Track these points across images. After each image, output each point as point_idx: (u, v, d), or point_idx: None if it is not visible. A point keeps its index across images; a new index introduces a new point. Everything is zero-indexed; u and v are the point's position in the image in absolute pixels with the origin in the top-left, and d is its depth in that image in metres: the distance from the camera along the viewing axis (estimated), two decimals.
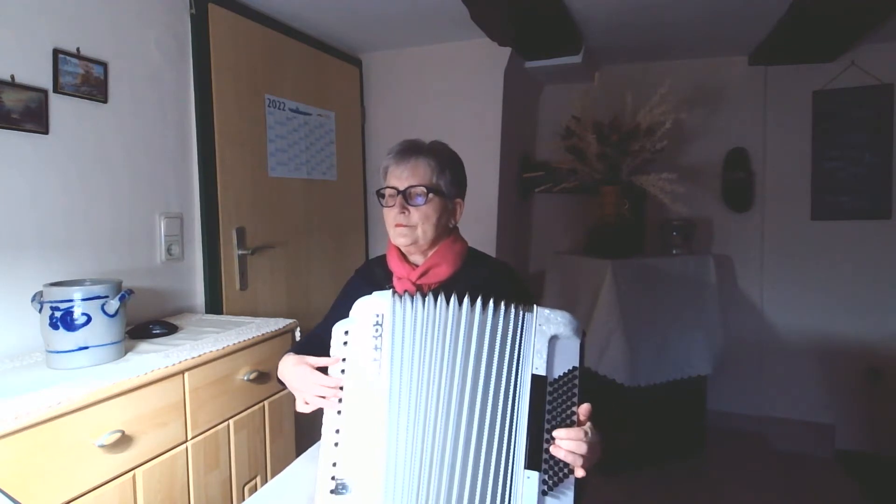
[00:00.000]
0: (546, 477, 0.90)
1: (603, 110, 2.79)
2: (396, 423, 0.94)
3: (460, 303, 0.96)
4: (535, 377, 0.92)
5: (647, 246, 2.89)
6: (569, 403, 0.92)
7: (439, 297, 0.97)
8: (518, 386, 0.93)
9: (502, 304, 0.96)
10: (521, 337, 0.94)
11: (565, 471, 0.91)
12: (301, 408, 1.05)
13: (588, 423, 0.93)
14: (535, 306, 0.96)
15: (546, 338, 0.93)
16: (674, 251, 2.84)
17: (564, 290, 2.90)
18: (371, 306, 0.99)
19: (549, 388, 0.92)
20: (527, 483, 0.89)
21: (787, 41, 2.49)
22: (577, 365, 0.94)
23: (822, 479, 2.58)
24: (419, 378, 0.95)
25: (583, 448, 0.89)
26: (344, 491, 0.92)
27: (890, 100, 2.71)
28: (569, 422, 0.92)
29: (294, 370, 1.07)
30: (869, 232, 2.79)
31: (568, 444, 0.89)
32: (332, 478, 0.93)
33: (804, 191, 2.88)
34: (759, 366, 2.99)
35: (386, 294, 1.00)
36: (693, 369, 2.62)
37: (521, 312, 0.95)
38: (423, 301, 0.98)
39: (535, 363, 0.92)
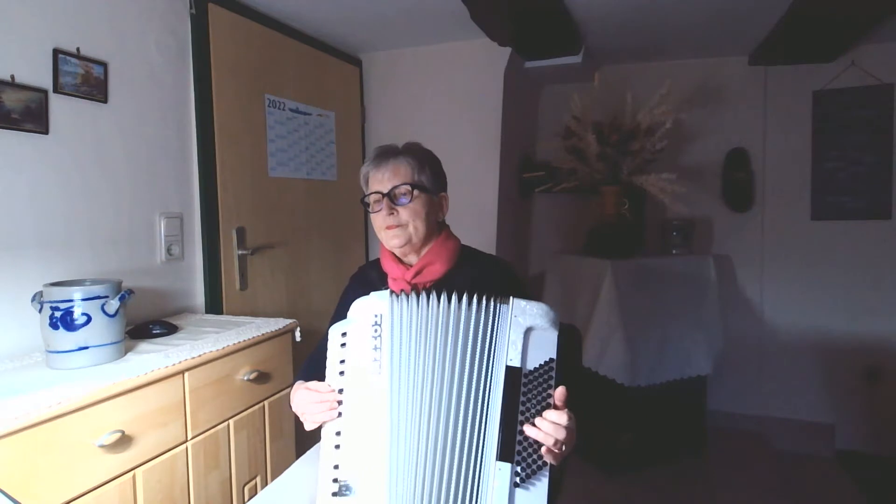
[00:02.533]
0: (519, 469, 0.90)
1: (603, 110, 2.79)
2: (397, 423, 0.94)
3: (449, 299, 0.96)
4: (508, 368, 0.92)
5: (647, 246, 2.89)
6: (545, 395, 0.92)
7: (431, 295, 0.98)
8: (491, 378, 0.93)
9: (483, 298, 0.96)
10: (495, 329, 0.94)
11: (539, 462, 0.90)
12: (309, 427, 1.05)
13: (565, 410, 0.92)
14: (511, 298, 0.96)
15: (521, 329, 0.94)
16: (674, 251, 2.84)
17: (564, 290, 2.90)
18: (370, 307, 0.99)
19: (524, 380, 0.92)
20: (498, 475, 0.89)
21: (787, 41, 2.49)
22: (553, 357, 0.94)
23: (822, 479, 2.58)
24: (415, 376, 0.95)
25: (561, 432, 0.89)
26: (347, 492, 0.92)
27: (890, 100, 2.71)
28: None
29: (296, 396, 1.08)
30: (869, 232, 2.79)
31: (546, 425, 0.89)
32: (335, 480, 0.93)
33: (804, 191, 2.88)
34: (759, 366, 2.99)
35: (384, 294, 1.00)
36: (693, 369, 2.62)
37: (496, 305, 0.96)
38: (418, 299, 0.98)
39: (509, 354, 0.93)
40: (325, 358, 1.03)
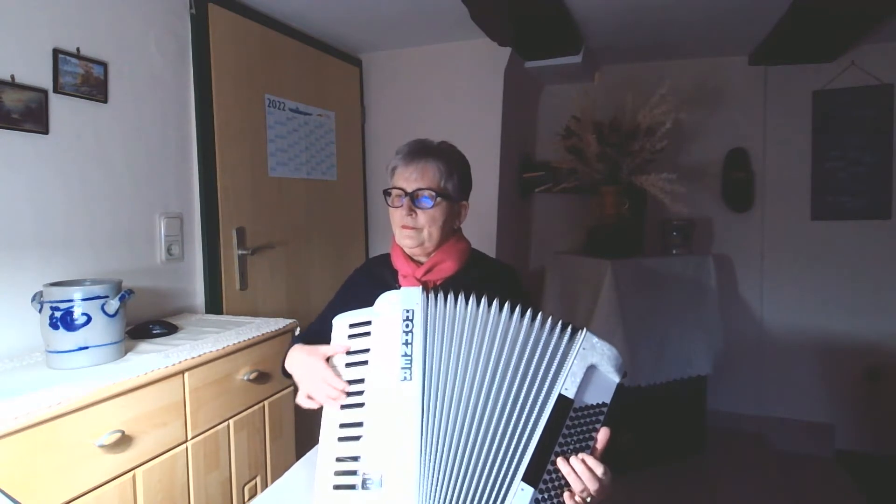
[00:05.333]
0: (540, 497, 0.88)
1: (603, 110, 2.79)
2: (430, 421, 0.91)
3: (501, 307, 0.95)
4: (561, 396, 0.90)
5: (646, 246, 2.88)
6: (587, 436, 0.90)
7: (471, 299, 0.96)
8: (543, 401, 0.91)
9: (551, 318, 0.94)
10: (560, 354, 0.92)
11: (562, 499, 0.88)
12: (302, 401, 1.03)
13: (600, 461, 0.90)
14: (584, 329, 0.94)
15: (585, 363, 0.92)
16: (674, 251, 2.83)
17: (564, 290, 2.90)
18: (400, 301, 0.97)
19: (572, 414, 0.90)
20: (520, 494, 0.87)
21: (787, 41, 2.49)
22: (608, 402, 0.92)
23: (822, 479, 2.58)
24: (451, 378, 0.92)
25: (593, 484, 0.87)
26: (370, 485, 0.90)
27: (890, 100, 2.71)
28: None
29: (306, 360, 1.04)
30: (869, 232, 2.78)
31: (580, 467, 0.87)
32: (356, 472, 0.91)
33: (804, 191, 2.88)
34: (759, 366, 2.99)
35: (415, 290, 0.98)
36: (693, 369, 2.62)
37: (567, 331, 0.94)
38: (456, 300, 0.96)
39: (565, 383, 0.91)
40: (324, 333, 1.02)
